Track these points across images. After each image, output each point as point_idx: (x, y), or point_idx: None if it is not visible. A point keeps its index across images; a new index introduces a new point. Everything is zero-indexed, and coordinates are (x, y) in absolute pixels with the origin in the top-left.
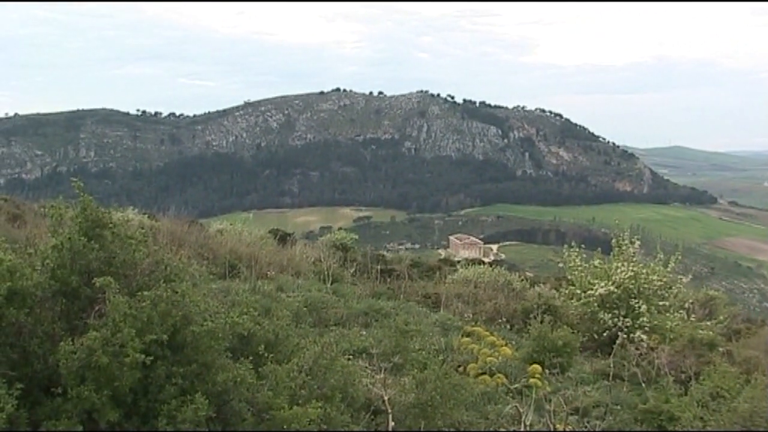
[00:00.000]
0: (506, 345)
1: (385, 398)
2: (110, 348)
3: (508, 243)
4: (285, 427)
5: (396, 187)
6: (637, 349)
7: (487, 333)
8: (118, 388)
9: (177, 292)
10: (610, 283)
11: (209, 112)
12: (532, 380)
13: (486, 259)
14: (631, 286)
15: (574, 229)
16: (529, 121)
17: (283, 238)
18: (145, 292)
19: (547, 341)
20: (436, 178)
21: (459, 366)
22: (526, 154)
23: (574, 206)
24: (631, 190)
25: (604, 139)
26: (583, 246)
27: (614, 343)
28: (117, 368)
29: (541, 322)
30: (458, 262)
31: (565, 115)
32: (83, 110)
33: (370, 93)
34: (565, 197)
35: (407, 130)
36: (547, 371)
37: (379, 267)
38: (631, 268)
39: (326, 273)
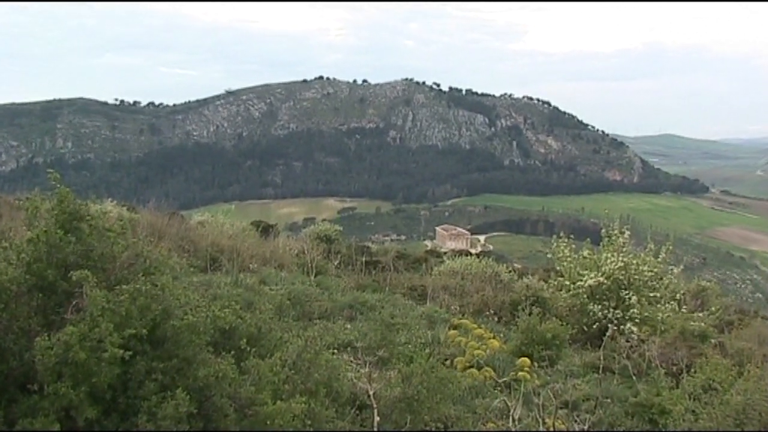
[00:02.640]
0: (494, 338)
1: (371, 393)
2: (88, 343)
3: (495, 234)
4: (268, 422)
5: (381, 177)
6: (627, 341)
7: (475, 326)
8: (97, 384)
9: (157, 286)
10: (599, 274)
11: (189, 102)
12: (520, 373)
13: (473, 251)
14: (621, 277)
15: (563, 219)
16: (517, 109)
17: (265, 230)
18: (124, 286)
19: (535, 334)
20: (422, 168)
21: (446, 359)
22: (514, 143)
23: (563, 196)
24: (621, 180)
25: (593, 127)
26: (572, 236)
27: (604, 335)
28: (95, 364)
29: (530, 314)
30: (445, 253)
31: (553, 103)
32: (60, 100)
33: (354, 81)
34: (553, 187)
35: (392, 119)
36: (535, 364)
37: (364, 259)
38: (621, 258)
39: (310, 265)
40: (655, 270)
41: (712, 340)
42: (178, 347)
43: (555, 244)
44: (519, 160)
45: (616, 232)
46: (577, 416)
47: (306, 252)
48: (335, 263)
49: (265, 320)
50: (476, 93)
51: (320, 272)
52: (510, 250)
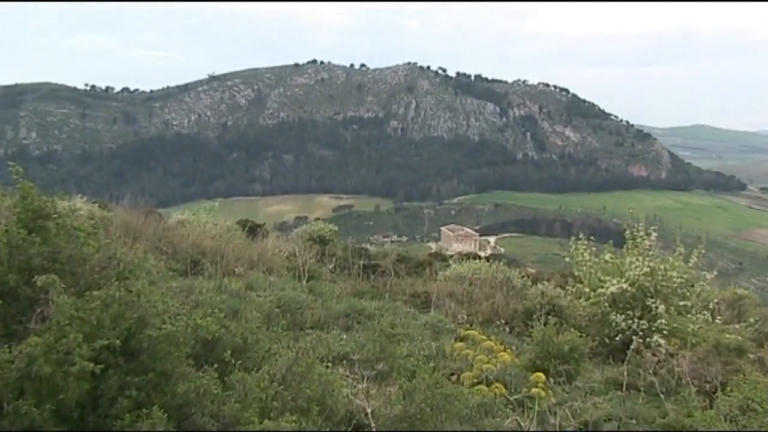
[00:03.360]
0: (505, 350)
1: (368, 411)
2: (54, 356)
3: (507, 235)
4: None
5: (381, 172)
6: (654, 355)
7: (484, 337)
8: (63, 401)
9: (131, 292)
10: (623, 280)
11: (169, 87)
12: (534, 390)
13: (482, 253)
14: (647, 284)
15: (583, 219)
16: (532, 96)
17: (252, 229)
18: (95, 292)
19: (551, 346)
20: (426, 162)
21: (452, 374)
22: (528, 134)
23: (583, 193)
24: (647, 175)
25: (616, 117)
26: (592, 238)
27: (628, 348)
28: (62, 379)
29: (545, 324)
30: (451, 256)
31: (572, 90)
32: (23, 84)
33: (351, 66)
34: (572, 183)
35: (393, 107)
36: (551, 380)
37: (361, 262)
38: (647, 263)
39: (302, 269)
40: (686, 276)
41: (750, 355)
42: (154, 360)
43: (573, 246)
44: (533, 153)
45: (641, 233)
46: None
47: (297, 254)
48: (329, 267)
49: (252, 330)
50: (486, 79)
51: (313, 277)
52: (523, 253)
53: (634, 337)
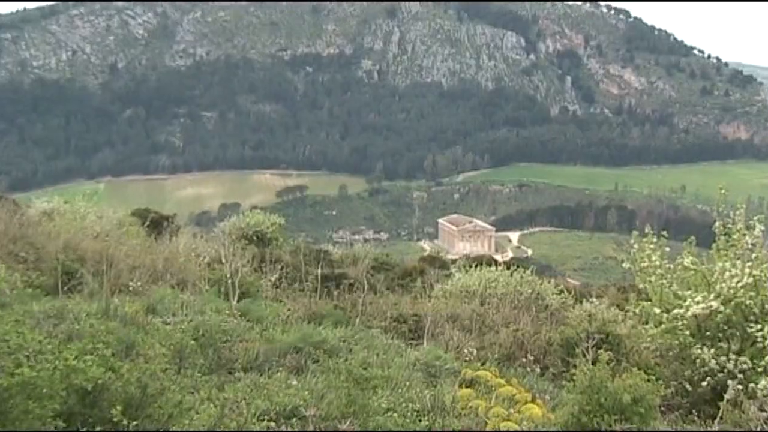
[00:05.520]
0: (534, 401)
1: None
2: None
3: (537, 230)
4: None
5: (348, 137)
6: (762, 409)
7: (502, 381)
8: None
9: None
10: (712, 296)
11: (26, 10)
12: None
13: (500, 257)
14: (749, 302)
15: (650, 206)
16: (573, 22)
17: (157, 224)
18: None
19: (604, 394)
20: (416, 122)
21: None
22: (568, 78)
23: (650, 167)
24: (749, 138)
25: (701, 51)
26: (665, 234)
27: (721, 398)
28: None
29: (595, 362)
30: (454, 262)
31: (634, 14)
32: None
33: None
34: (634, 152)
35: (366, 40)
36: None
37: (320, 272)
38: (748, 270)
39: (231, 282)
40: None
41: None
42: (5, 421)
43: (636, 246)
44: (576, 107)
45: (739, 226)
46: None
47: (224, 260)
48: (272, 279)
49: (155, 374)
50: None
51: (248, 294)
52: (560, 257)
53: (730, 382)
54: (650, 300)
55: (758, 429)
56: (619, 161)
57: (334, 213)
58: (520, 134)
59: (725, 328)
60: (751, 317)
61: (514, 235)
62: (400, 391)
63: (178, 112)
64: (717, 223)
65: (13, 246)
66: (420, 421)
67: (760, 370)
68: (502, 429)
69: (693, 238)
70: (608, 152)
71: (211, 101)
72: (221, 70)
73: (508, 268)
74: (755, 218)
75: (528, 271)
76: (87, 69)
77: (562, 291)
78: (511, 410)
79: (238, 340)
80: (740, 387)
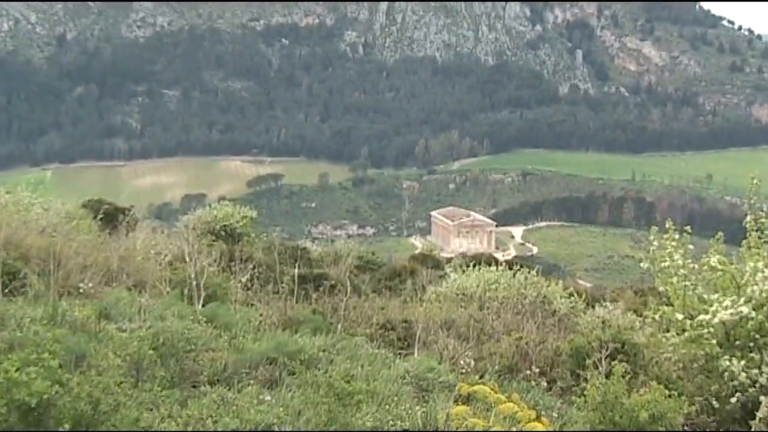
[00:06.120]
0: (539, 419)
1: None
2: None
3: (543, 224)
4: None
5: (330, 119)
6: None
7: (503, 396)
8: None
9: None
10: (741, 299)
11: None
12: None
13: (502, 255)
14: None
15: (672, 197)
16: None
17: (111, 217)
18: None
19: (620, 412)
20: (407, 102)
21: None
22: (579, 53)
23: (672, 153)
24: None
25: (731, 23)
26: (688, 229)
27: (752, 416)
28: None
29: (609, 374)
30: (449, 260)
31: None
32: None
33: None
34: (653, 136)
35: (350, 9)
36: None
37: (296, 271)
38: None
39: (195, 284)
40: None
41: None
42: None
43: (655, 243)
44: (588, 85)
45: None
46: None
47: (188, 259)
48: (243, 280)
49: (109, 388)
50: None
51: (215, 297)
52: (569, 255)
53: (762, 398)
54: (672, 305)
55: None
56: (637, 147)
57: (313, 205)
58: (525, 116)
59: (757, 336)
60: None
61: (518, 231)
62: (387, 407)
63: (136, 90)
64: (748, 217)
65: None
66: None
67: None
68: None
69: (720, 234)
70: (624, 136)
71: (173, 78)
72: (185, 42)
73: (511, 268)
74: None
75: (533, 272)
76: (31, 41)
77: (571, 294)
78: (514, 429)
79: (204, 349)
80: None
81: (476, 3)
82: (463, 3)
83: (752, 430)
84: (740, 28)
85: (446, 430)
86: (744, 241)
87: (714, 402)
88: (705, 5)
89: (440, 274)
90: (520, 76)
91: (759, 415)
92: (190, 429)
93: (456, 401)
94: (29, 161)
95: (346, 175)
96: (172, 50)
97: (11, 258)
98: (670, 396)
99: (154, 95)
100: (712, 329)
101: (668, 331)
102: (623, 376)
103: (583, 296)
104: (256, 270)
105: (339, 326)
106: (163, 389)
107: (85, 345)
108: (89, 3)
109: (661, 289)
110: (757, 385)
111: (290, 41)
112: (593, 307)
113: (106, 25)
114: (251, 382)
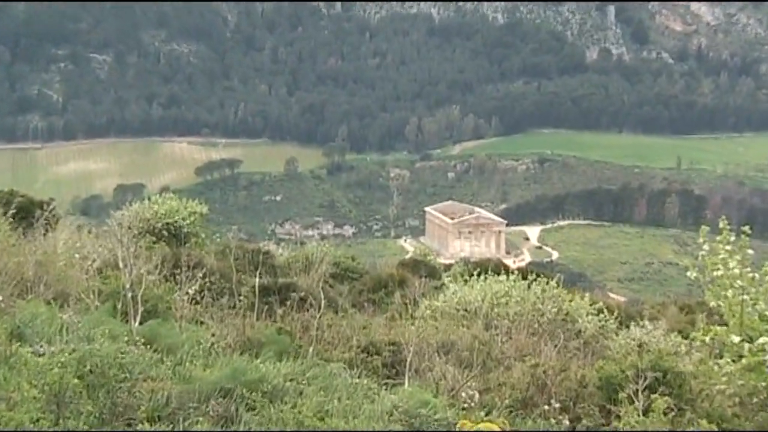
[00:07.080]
0: None
1: None
2: None
3: (566, 223)
4: None
5: (298, 91)
6: None
7: None
8: None
9: None
10: None
11: None
12: None
13: (513, 261)
14: None
15: (726, 190)
16: None
17: (25, 212)
18: None
19: None
20: (395, 71)
21: None
22: (610, 9)
23: (727, 135)
24: None
25: None
26: (747, 229)
27: None
28: None
29: (647, 411)
30: (447, 267)
31: None
32: None
33: None
34: (704, 113)
35: None
36: None
37: (258, 281)
38: None
39: (131, 296)
40: None
41: None
42: None
43: (706, 247)
44: (622, 49)
45: None
46: None
47: (122, 265)
48: (191, 291)
49: (23, 425)
50: None
51: (155, 312)
52: (598, 261)
53: None
54: (726, 324)
55: None
56: (683, 127)
57: (278, 198)
58: (543, 88)
59: None
60: None
61: (533, 231)
62: None
63: (57, 54)
64: None
65: None
66: None
67: None
68: None
69: None
70: (668, 114)
71: (103, 39)
72: None
73: (525, 278)
74: None
75: (552, 282)
76: None
77: (600, 310)
78: None
79: (142, 378)
80: None
81: None
82: None
83: None
84: None
85: None
86: None
87: None
88: None
89: (436, 285)
90: (537, 37)
91: None
92: None
93: None
94: None
95: (319, 161)
96: (100, 6)
97: None
98: None
99: (80, 60)
100: None
101: (722, 357)
102: (665, 413)
103: (615, 313)
104: (207, 279)
105: (310, 349)
106: (90, 427)
107: None
108: None
109: (712, 304)
110: None
111: None
112: (628, 326)
113: None
114: (200, 419)
